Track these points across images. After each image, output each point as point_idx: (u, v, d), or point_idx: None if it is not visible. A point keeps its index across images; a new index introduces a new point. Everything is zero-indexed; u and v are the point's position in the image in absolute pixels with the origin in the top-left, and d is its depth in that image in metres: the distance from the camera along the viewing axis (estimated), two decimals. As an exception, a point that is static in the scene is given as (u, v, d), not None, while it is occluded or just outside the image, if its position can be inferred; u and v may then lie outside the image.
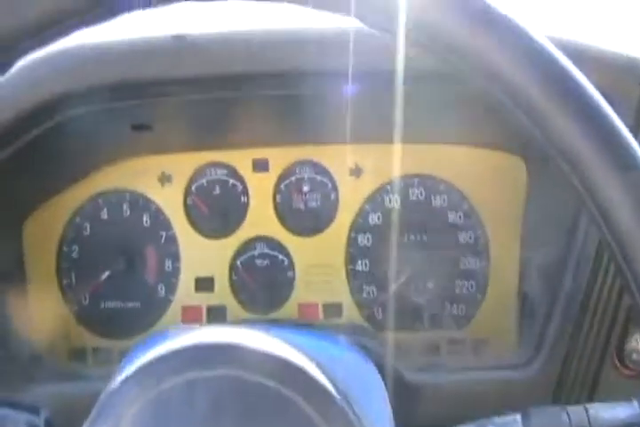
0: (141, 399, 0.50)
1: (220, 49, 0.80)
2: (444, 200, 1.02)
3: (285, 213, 1.02)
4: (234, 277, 1.02)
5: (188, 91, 0.82)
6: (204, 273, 1.01)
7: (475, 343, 1.00)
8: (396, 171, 1.00)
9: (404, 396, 0.81)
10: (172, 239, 1.02)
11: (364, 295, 1.01)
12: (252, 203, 1.01)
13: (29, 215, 0.99)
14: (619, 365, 0.88)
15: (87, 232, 1.02)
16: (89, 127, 0.87)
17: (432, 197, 1.02)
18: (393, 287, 1.00)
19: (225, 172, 1.02)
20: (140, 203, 1.02)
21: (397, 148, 0.95)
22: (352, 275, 1.01)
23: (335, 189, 1.02)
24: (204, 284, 1.01)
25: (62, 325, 1.00)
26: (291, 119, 0.95)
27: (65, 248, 1.02)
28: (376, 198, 1.01)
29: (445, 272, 1.01)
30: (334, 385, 0.52)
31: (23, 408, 0.60)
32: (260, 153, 1.01)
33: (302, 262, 1.01)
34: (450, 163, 1.01)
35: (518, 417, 0.59)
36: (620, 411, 0.56)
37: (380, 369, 0.68)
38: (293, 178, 1.02)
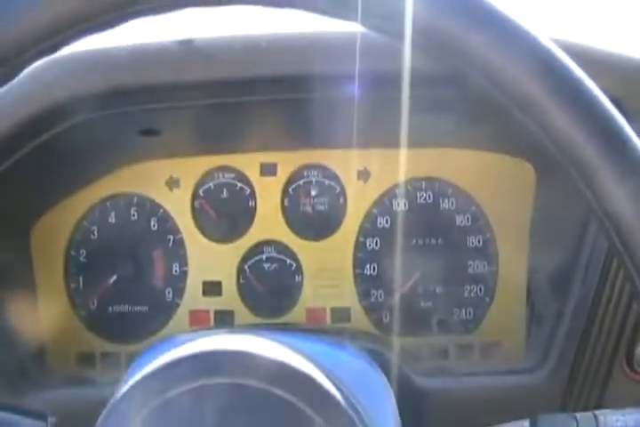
0: (149, 406, 0.50)
1: (227, 53, 0.80)
2: (452, 204, 1.01)
3: (293, 217, 1.01)
4: (241, 282, 1.02)
5: (195, 95, 0.82)
6: (211, 277, 1.01)
7: (483, 348, 0.99)
8: (404, 174, 1.00)
9: (411, 401, 0.81)
10: (179, 243, 1.02)
11: (372, 300, 1.01)
12: (260, 207, 1.01)
13: (37, 220, 0.99)
14: (628, 370, 0.87)
15: (95, 236, 1.02)
16: (97, 132, 0.87)
17: (440, 201, 1.01)
18: (401, 292, 1.00)
19: (233, 176, 1.02)
20: (148, 207, 1.02)
21: (405, 151, 0.95)
22: (360, 279, 1.01)
23: (343, 192, 1.01)
24: (211, 288, 1.01)
25: (70, 329, 1.00)
26: (298, 123, 0.95)
27: (73, 252, 1.02)
28: (384, 202, 1.01)
29: (453, 276, 1.01)
30: (342, 393, 0.52)
31: (30, 414, 0.60)
32: (267, 157, 1.01)
33: (310, 267, 1.01)
34: (458, 166, 1.00)
35: (526, 424, 0.59)
36: (630, 418, 0.56)
37: (388, 374, 0.68)
38: (301, 182, 1.02)
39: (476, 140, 0.98)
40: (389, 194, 1.01)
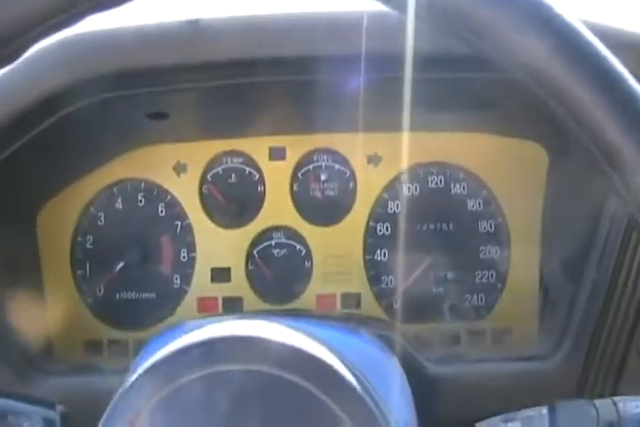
0: (159, 394, 0.49)
1: (233, 34, 0.79)
2: (463, 188, 1.00)
3: (303, 202, 1.00)
4: (250, 268, 1.01)
5: (202, 78, 0.81)
6: (220, 263, 1.00)
7: (495, 334, 0.98)
8: (415, 159, 0.99)
9: (424, 387, 0.80)
10: (187, 229, 1.01)
11: (383, 286, 1.00)
12: (269, 192, 1.00)
13: (44, 205, 0.98)
14: (644, 355, 0.86)
15: (102, 222, 1.01)
16: (104, 116, 0.86)
17: (451, 186, 1.00)
18: (412, 277, 0.99)
19: (241, 160, 1.01)
20: (155, 192, 1.01)
21: (416, 135, 0.94)
22: (370, 265, 1.00)
23: (353, 177, 1.00)
24: (220, 274, 1.00)
25: (77, 316, 0.99)
26: (307, 107, 0.94)
27: (79, 239, 1.01)
28: (394, 187, 1.00)
29: (465, 261, 1.00)
30: (357, 378, 0.51)
31: (39, 403, 0.59)
32: (276, 141, 1.00)
33: (320, 252, 1.00)
34: (469, 150, 0.99)
35: (545, 411, 0.58)
36: (650, 404, 0.55)
37: (401, 361, 0.67)
38: (311, 166, 1.01)
39: (487, 124, 0.96)
40: (400, 179, 1.00)
